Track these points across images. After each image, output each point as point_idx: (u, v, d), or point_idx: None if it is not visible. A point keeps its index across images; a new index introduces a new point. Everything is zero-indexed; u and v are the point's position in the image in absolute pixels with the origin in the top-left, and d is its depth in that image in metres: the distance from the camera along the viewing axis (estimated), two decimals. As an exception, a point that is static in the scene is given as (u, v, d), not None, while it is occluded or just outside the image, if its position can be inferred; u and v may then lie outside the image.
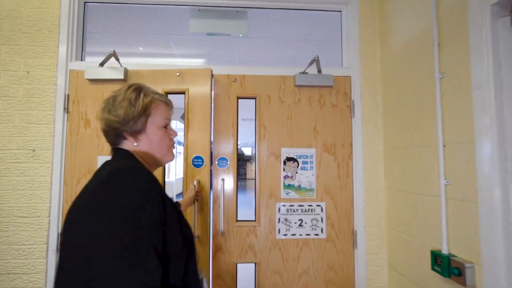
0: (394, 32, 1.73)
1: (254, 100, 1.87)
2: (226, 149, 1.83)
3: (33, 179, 1.66)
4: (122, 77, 1.73)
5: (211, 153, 1.69)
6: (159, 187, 0.71)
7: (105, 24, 2.64)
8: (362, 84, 1.89)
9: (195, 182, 1.62)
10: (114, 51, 1.59)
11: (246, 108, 1.85)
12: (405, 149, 1.61)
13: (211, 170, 1.69)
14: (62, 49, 1.76)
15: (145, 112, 0.83)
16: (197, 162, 1.71)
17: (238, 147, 1.86)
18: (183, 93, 1.77)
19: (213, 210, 1.78)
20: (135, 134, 0.83)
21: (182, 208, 1.43)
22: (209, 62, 1.85)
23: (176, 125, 7.59)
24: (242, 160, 18.21)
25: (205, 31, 2.08)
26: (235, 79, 1.85)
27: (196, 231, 1.63)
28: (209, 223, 1.69)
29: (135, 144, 0.83)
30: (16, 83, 1.70)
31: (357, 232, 1.82)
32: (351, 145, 1.88)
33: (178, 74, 1.77)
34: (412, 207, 1.54)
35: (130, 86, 0.86)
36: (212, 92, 1.79)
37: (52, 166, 1.68)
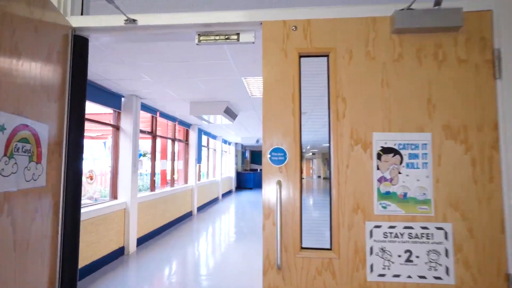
0: None
1: (326, 58, 1.18)
2: (282, 136, 1.18)
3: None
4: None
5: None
6: None
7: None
8: (514, 22, 1.10)
9: None
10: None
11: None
12: None
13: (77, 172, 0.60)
14: None
15: None
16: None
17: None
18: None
19: (264, 230, 1.15)
20: None
21: None
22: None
23: (221, 120, 6.95)
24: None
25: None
26: (295, 27, 1.19)
27: None
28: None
29: None
30: None
31: (512, 277, 1.04)
32: (496, 127, 1.10)
33: None
34: None
35: None
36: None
37: (39, 163, 1.19)
